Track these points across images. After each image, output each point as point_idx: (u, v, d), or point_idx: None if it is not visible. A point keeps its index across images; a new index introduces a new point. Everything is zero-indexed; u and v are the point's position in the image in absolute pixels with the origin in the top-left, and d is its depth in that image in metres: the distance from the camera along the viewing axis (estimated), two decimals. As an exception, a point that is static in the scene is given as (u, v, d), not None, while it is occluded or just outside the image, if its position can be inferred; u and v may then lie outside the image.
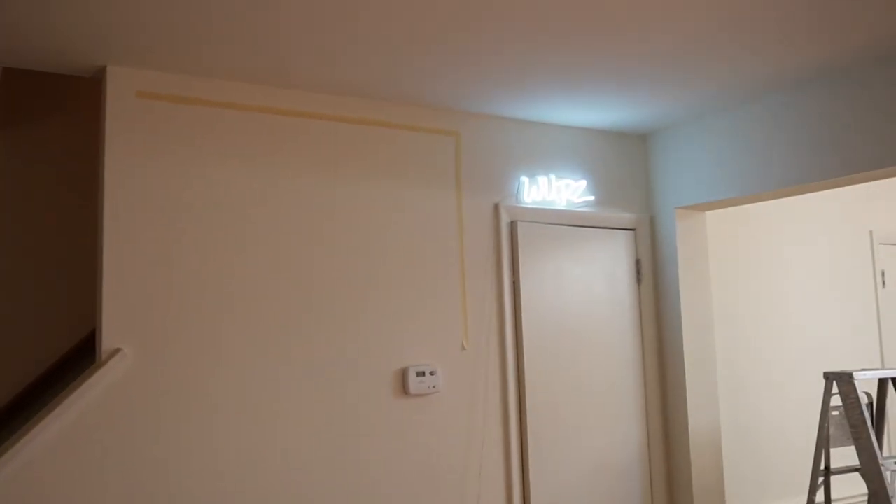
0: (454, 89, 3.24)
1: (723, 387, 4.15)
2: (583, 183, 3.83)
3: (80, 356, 3.37)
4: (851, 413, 3.51)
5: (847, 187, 4.87)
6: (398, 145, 3.36)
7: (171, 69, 2.87)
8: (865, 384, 4.53)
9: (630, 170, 4.05)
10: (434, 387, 3.25)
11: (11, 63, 2.77)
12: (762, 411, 4.31)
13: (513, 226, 3.62)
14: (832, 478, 4.09)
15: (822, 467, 3.68)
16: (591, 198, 3.86)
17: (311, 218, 3.12)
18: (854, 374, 3.53)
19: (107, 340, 2.67)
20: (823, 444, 3.64)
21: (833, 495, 4.30)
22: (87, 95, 3.53)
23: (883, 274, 5.05)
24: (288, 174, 3.09)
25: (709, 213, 4.10)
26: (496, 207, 3.57)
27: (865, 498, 4.21)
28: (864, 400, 3.54)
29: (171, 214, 2.84)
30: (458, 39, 2.70)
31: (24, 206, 3.39)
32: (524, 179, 3.67)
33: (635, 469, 3.80)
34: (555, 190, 3.74)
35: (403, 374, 3.20)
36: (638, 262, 3.98)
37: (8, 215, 3.35)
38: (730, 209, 4.25)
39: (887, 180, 5.11)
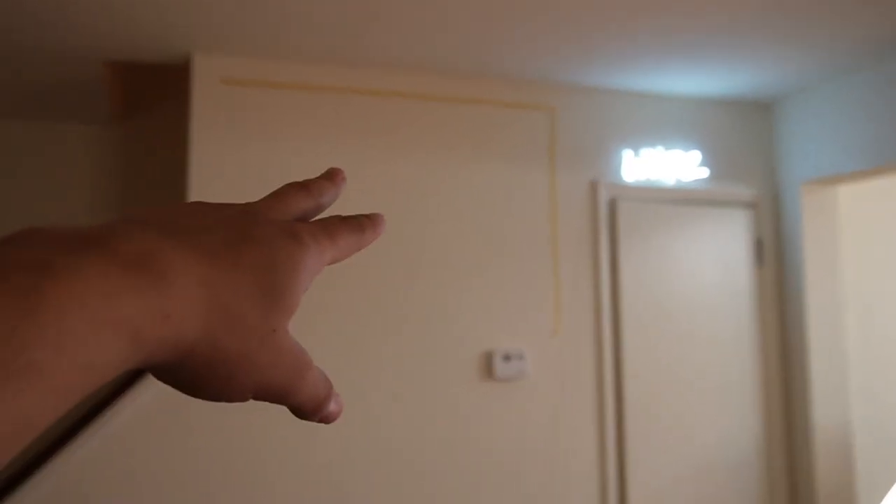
0: (548, 61, 3.08)
1: (858, 381, 3.73)
2: (695, 157, 3.54)
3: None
4: None
5: None
6: (488, 123, 3.25)
7: (254, 54, 2.91)
8: None
9: (750, 142, 3.70)
10: (522, 372, 3.13)
11: (111, 54, 2.91)
12: (906, 409, 3.85)
13: (613, 204, 3.41)
14: None
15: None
16: (705, 173, 3.57)
17: (397, 199, 3.08)
18: None
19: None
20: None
21: None
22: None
23: None
24: (374, 156, 3.06)
25: (842, 189, 3.68)
26: (594, 185, 3.38)
27: None
28: None
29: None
30: (550, 4, 2.54)
31: (134, 200, 3.58)
32: (626, 155, 3.44)
33: (750, 468, 3.50)
34: (662, 166, 3.49)
35: (489, 358, 3.11)
36: (759, 243, 3.64)
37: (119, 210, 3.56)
38: (867, 184, 3.79)
39: None
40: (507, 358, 3.11)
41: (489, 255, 3.17)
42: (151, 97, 3.58)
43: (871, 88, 3.26)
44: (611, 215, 3.40)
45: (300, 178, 0.43)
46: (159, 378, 0.32)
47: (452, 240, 3.13)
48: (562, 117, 3.37)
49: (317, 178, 0.42)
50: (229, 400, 0.33)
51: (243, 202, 0.37)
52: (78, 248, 0.27)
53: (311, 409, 0.36)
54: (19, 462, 2.91)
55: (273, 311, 0.32)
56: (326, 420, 0.38)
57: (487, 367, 3.11)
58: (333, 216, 0.39)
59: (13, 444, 0.24)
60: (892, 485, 3.73)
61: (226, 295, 0.31)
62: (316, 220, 0.38)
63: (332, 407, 0.38)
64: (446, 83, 3.20)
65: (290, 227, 0.35)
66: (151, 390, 2.67)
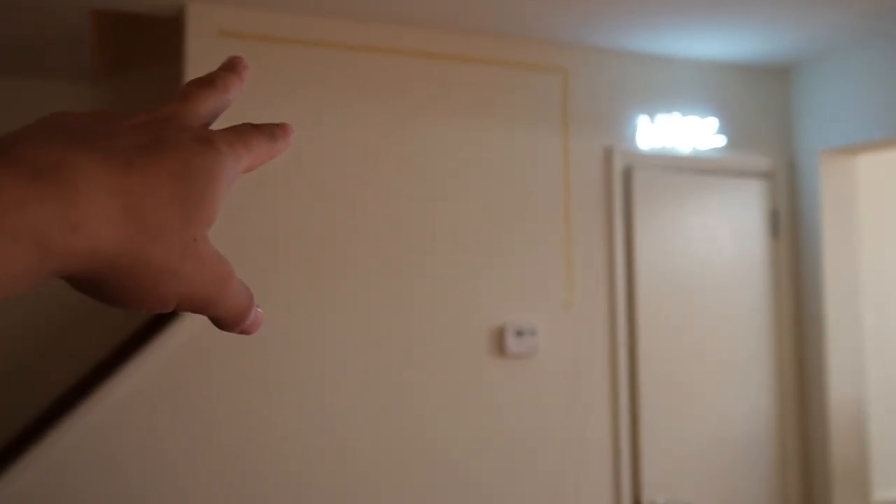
0: (560, 20, 2.91)
1: (873, 356, 3.63)
2: (711, 124, 3.39)
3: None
4: None
5: None
6: (497, 85, 3.07)
7: (254, 5, 2.70)
8: None
9: (767, 109, 3.56)
10: (534, 347, 2.99)
11: (97, 3, 2.69)
12: (920, 385, 3.77)
13: (627, 172, 3.25)
14: None
15: None
16: (722, 142, 3.42)
17: (401, 164, 2.90)
18: None
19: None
20: None
21: None
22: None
23: None
24: (380, 117, 2.88)
25: (862, 159, 3.55)
26: (608, 152, 3.22)
27: None
28: None
29: (253, 160, 2.70)
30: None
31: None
32: (642, 121, 3.28)
33: (764, 444, 3.40)
34: (678, 133, 3.34)
35: (501, 333, 2.96)
36: (775, 213, 3.51)
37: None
38: (888, 154, 3.67)
39: None
40: (519, 333, 2.96)
41: (500, 225, 3.01)
42: (141, 51, 3.35)
43: (893, 54, 3.12)
44: (625, 184, 3.25)
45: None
46: (78, 289, 0.31)
47: (461, 207, 2.96)
48: (575, 81, 3.19)
49: (220, 70, 0.40)
50: (150, 310, 0.32)
51: (153, 109, 0.35)
52: None
53: (233, 320, 0.35)
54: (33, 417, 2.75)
55: (193, 220, 0.31)
56: (247, 331, 0.36)
57: (499, 342, 2.96)
58: (244, 123, 0.38)
59: None
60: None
61: (143, 204, 0.29)
62: (229, 128, 0.36)
63: (252, 318, 0.36)
64: (455, 41, 3.01)
65: (205, 134, 0.34)
66: (167, 353, 2.51)
